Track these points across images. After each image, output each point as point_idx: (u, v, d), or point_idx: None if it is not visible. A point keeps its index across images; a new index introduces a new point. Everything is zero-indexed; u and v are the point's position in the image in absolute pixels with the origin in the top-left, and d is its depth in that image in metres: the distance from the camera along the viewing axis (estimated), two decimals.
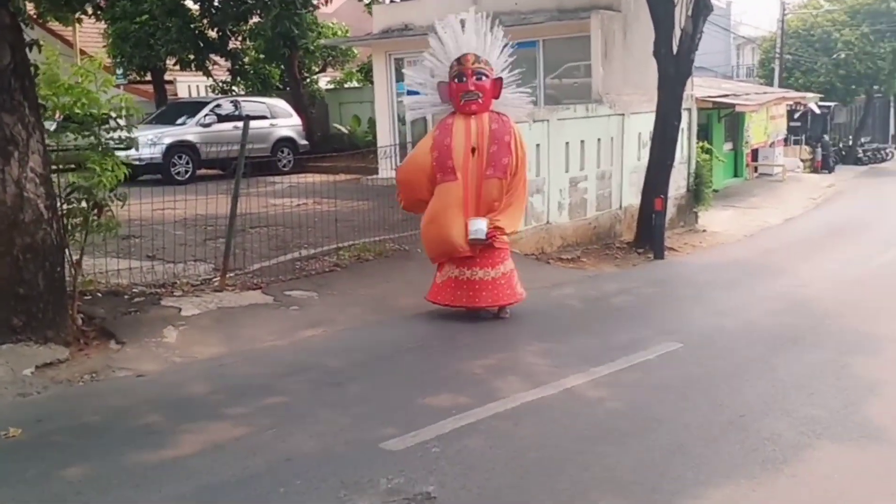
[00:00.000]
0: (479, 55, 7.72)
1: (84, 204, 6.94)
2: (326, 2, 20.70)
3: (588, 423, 5.13)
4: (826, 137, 31.36)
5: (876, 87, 35.64)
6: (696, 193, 16.29)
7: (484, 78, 7.69)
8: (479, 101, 7.68)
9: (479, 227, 7.59)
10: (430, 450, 4.63)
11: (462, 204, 7.66)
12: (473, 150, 7.62)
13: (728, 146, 23.67)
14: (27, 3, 11.36)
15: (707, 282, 10.39)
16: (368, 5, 20.15)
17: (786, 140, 28.69)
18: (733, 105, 21.27)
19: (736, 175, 24.51)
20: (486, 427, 5.00)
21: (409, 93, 9.76)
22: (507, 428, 5.01)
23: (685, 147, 15.80)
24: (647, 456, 4.60)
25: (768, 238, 14.98)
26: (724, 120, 22.47)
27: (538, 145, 11.98)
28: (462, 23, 7.88)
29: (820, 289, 9.58)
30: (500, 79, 7.87)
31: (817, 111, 30.29)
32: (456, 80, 7.71)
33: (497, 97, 7.86)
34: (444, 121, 7.88)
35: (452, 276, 7.87)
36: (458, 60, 7.72)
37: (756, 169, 25.99)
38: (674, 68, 12.87)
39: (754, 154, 25.90)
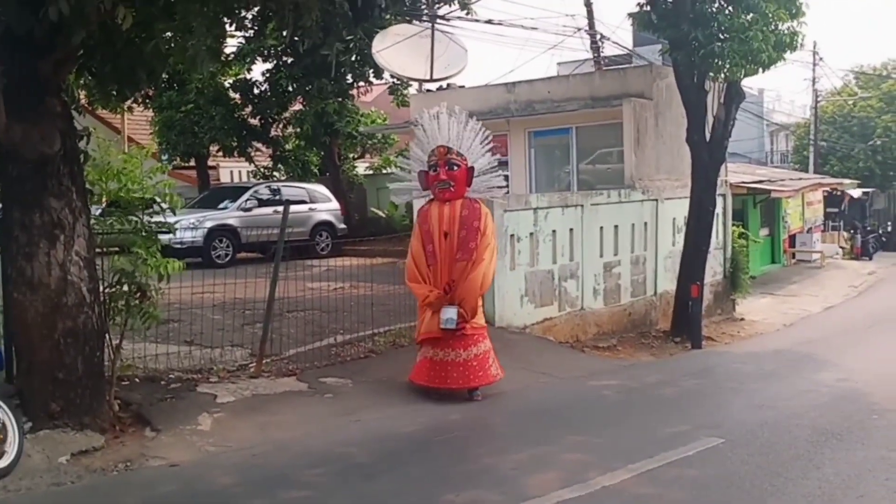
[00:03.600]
0: (451, 147, 8.20)
1: (126, 288, 7.05)
2: (366, 91, 21.30)
3: None
4: (865, 224, 31.09)
5: None
6: (733, 280, 16.14)
7: (456, 168, 8.16)
8: (451, 189, 8.16)
9: (450, 316, 7.86)
10: None
11: (440, 286, 8.02)
12: (446, 234, 8.05)
13: (764, 232, 23.54)
14: (80, 91, 11.88)
15: (747, 373, 10.16)
16: (397, 98, 20.71)
17: (824, 226, 28.47)
18: (769, 191, 21.24)
19: (773, 261, 24.29)
20: None
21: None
22: None
23: (720, 233, 15.76)
24: None
25: (809, 327, 14.70)
26: (759, 206, 22.42)
27: (571, 230, 12.05)
28: (438, 116, 8.33)
29: (865, 381, 9.31)
30: (472, 168, 8.27)
31: (856, 196, 30.11)
32: (432, 170, 8.24)
33: (470, 185, 8.27)
34: (422, 208, 8.44)
35: (428, 357, 8.12)
36: (433, 152, 8.24)
37: (794, 255, 25.73)
38: (707, 155, 12.96)
39: (792, 240, 25.70)
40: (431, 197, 8.36)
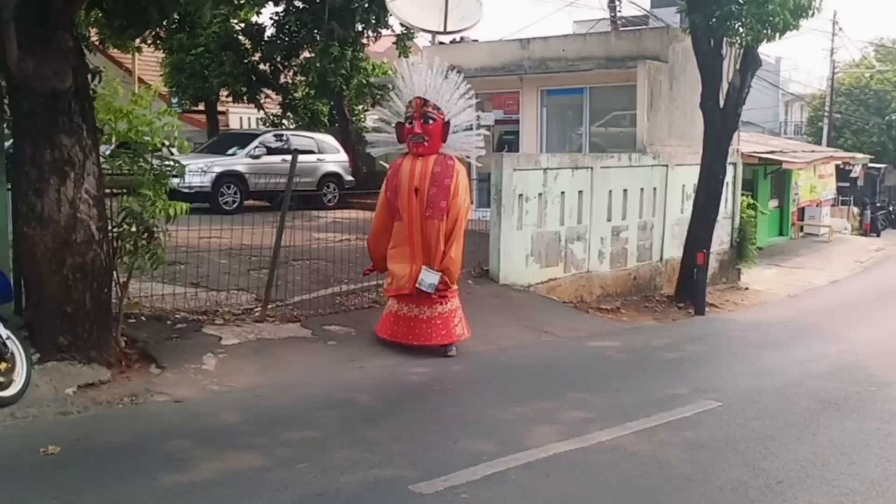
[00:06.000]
0: (427, 99, 7.91)
1: (134, 228, 7.08)
2: (375, 39, 21.01)
3: (620, 479, 5.05)
4: (875, 200, 30.89)
5: None
6: (740, 249, 16.11)
7: (431, 121, 7.89)
8: (425, 143, 7.91)
9: (433, 281, 7.75)
10: (460, 496, 4.59)
11: (409, 243, 7.91)
12: (416, 190, 7.84)
13: (774, 203, 23.43)
14: (90, 28, 11.79)
15: (748, 341, 10.22)
16: (401, 49, 20.48)
17: (834, 200, 28.32)
18: (780, 162, 21.09)
19: (781, 233, 24.22)
20: (516, 476, 4.94)
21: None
22: (537, 479, 4.95)
23: (729, 202, 15.69)
24: None
25: (813, 299, 14.71)
26: (770, 176, 22.28)
27: (580, 192, 12.01)
28: (417, 66, 8.08)
29: (866, 354, 9.36)
30: (448, 122, 8.00)
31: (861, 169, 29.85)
32: (408, 123, 7.98)
33: (445, 141, 8.02)
34: (396, 161, 8.24)
35: (392, 311, 8.09)
36: (410, 103, 7.98)
37: (802, 228, 25.65)
38: (720, 122, 12.85)
39: (801, 213, 25.59)
40: (406, 151, 8.11)
